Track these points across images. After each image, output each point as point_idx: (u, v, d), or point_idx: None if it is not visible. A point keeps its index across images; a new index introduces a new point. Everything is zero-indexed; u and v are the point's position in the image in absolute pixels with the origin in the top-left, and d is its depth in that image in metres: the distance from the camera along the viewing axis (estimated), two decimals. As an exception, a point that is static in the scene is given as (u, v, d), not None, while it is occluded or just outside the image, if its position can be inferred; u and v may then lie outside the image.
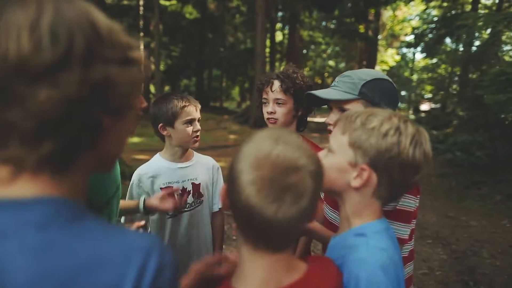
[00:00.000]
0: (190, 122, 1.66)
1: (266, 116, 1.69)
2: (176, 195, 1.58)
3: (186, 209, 1.74)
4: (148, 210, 1.56)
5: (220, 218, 1.91)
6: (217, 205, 1.88)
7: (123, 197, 1.54)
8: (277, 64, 27.03)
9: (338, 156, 0.89)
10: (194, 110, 1.67)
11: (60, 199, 0.51)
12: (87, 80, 0.47)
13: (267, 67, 18.03)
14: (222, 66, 25.02)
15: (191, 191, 1.75)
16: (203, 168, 1.83)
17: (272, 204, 0.63)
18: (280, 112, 1.65)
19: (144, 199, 1.56)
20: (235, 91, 37.41)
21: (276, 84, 1.64)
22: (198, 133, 1.71)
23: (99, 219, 0.53)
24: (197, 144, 1.72)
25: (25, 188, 0.49)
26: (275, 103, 1.66)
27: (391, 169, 0.83)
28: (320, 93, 1.32)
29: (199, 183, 1.78)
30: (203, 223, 1.81)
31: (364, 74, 1.25)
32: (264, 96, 1.70)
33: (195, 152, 1.85)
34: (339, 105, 1.27)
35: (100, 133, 0.53)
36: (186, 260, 1.73)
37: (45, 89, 0.45)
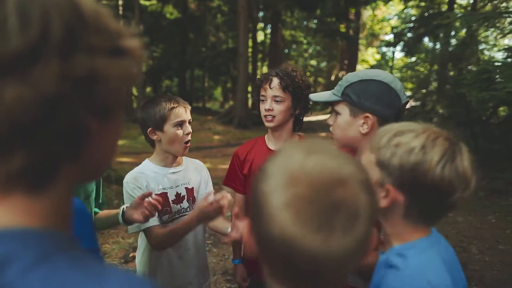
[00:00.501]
0: (180, 124, 1.58)
1: (263, 113, 1.67)
2: (151, 199, 1.41)
3: (182, 214, 1.66)
4: (127, 221, 1.44)
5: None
6: None
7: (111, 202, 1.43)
8: (259, 64, 27.04)
9: None
10: (183, 111, 1.59)
11: (30, 231, 0.40)
12: (67, 74, 0.37)
13: (250, 67, 17.98)
14: (204, 66, 24.78)
15: (186, 196, 1.68)
16: (194, 171, 1.77)
17: (318, 232, 0.46)
18: (278, 109, 1.62)
19: (123, 210, 1.45)
20: (218, 91, 37.21)
21: (275, 81, 1.62)
22: (189, 137, 1.62)
23: (77, 256, 0.42)
24: (187, 151, 1.64)
25: None
26: (273, 100, 1.63)
27: (419, 190, 0.77)
28: (312, 96, 1.46)
29: (192, 187, 1.72)
30: (199, 227, 1.73)
31: (354, 76, 1.26)
32: (262, 93, 1.67)
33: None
34: (332, 106, 1.34)
35: (86, 140, 0.43)
36: (187, 266, 1.66)
37: (13, 86, 0.35)
